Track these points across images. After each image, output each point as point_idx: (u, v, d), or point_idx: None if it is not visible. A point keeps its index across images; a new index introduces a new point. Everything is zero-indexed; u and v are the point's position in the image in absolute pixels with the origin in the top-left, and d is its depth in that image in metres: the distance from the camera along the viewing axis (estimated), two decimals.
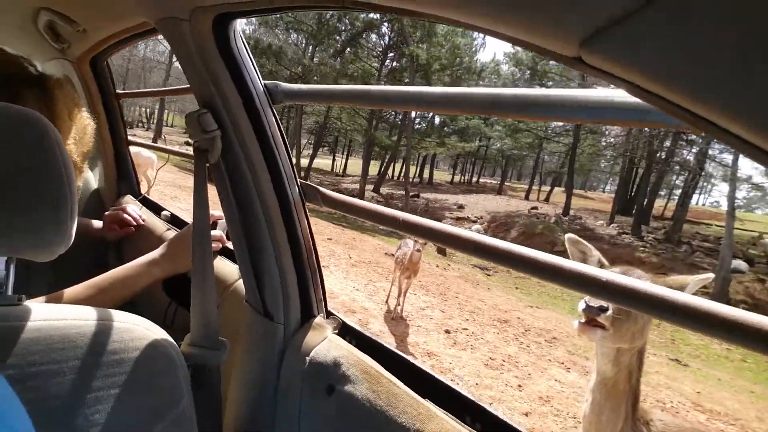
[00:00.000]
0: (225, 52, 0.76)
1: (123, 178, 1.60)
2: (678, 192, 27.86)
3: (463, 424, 0.62)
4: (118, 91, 1.47)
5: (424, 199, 25.33)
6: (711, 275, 1.09)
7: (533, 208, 24.41)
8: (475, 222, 19.99)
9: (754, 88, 0.23)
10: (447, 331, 5.30)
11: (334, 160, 43.92)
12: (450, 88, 0.57)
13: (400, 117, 28.19)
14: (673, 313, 0.43)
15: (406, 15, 0.46)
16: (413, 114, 28.14)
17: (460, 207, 23.61)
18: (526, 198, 31.74)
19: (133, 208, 1.38)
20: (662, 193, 31.17)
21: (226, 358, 0.89)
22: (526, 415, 3.70)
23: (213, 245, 1.11)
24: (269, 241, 0.82)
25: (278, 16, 25.25)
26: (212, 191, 0.85)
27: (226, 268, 1.09)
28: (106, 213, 1.36)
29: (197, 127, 0.76)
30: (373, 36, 26.12)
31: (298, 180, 0.85)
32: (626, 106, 0.42)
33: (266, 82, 0.81)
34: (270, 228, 0.82)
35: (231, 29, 0.76)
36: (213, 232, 1.10)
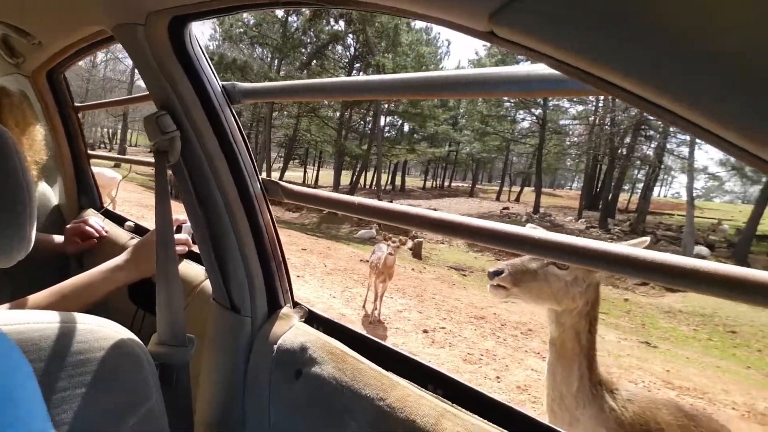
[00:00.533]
0: (181, 54, 0.79)
1: (84, 192, 1.59)
2: (640, 185, 28.91)
3: (424, 390, 0.67)
4: (76, 104, 1.48)
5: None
6: (647, 238, 1.18)
7: (504, 208, 24.88)
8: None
9: (645, 48, 0.27)
10: (425, 331, 5.36)
11: (305, 171, 43.67)
12: (395, 75, 0.62)
13: (370, 126, 28.35)
14: (607, 262, 0.48)
15: (329, 4, 0.51)
16: (382, 122, 28.32)
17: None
18: (498, 199, 32.33)
19: (95, 219, 1.38)
20: (626, 187, 32.28)
21: (195, 355, 0.92)
22: None
23: (179, 248, 1.14)
24: (233, 236, 0.85)
25: (242, 30, 25.12)
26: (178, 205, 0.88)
27: (192, 270, 1.10)
28: (68, 226, 1.35)
29: (156, 129, 0.79)
30: (339, 48, 26.27)
31: (260, 176, 0.89)
32: (547, 77, 0.48)
33: (224, 82, 0.85)
34: (233, 224, 0.85)
35: (186, 32, 0.79)
36: (178, 236, 1.12)
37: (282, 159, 30.41)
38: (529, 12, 0.30)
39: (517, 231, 0.56)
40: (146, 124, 0.82)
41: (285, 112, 27.98)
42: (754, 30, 0.23)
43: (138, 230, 1.42)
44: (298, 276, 7.22)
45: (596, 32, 0.29)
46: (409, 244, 11.59)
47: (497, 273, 1.29)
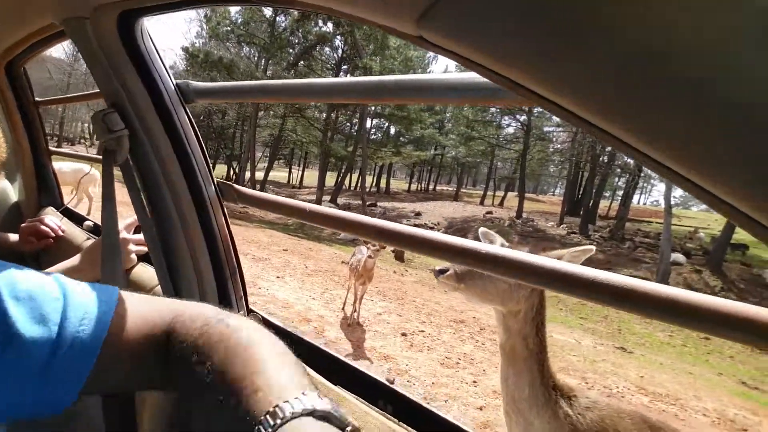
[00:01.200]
0: (132, 50, 0.76)
1: (44, 189, 1.54)
2: (621, 193, 29.43)
3: (372, 406, 0.65)
4: (36, 98, 1.43)
5: (382, 207, 25.43)
6: (592, 248, 1.20)
7: (488, 212, 25.08)
8: (432, 228, 20.25)
9: (575, 60, 0.25)
10: (404, 334, 5.34)
11: (290, 172, 43.41)
12: (347, 78, 0.60)
13: (356, 128, 28.32)
14: (542, 277, 0.47)
15: (266, 3, 0.49)
16: (368, 124, 28.33)
17: (417, 214, 23.87)
18: (482, 203, 32.57)
19: (51, 218, 1.33)
20: (606, 194, 32.82)
21: None
22: (481, 409, 3.79)
23: (137, 249, 1.10)
24: (184, 241, 0.82)
25: (230, 29, 24.88)
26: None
27: (147, 273, 1.06)
28: (22, 225, 1.30)
29: (102, 127, 0.76)
30: (327, 49, 26.20)
31: (215, 179, 0.86)
32: (481, 86, 0.47)
33: (178, 81, 0.82)
34: (185, 228, 0.82)
35: (137, 27, 0.76)
36: (138, 237, 1.09)
37: (267, 159, 30.13)
38: (452, 15, 0.29)
39: (478, 247, 0.54)
40: (93, 122, 0.78)
41: (271, 112, 27.78)
42: (700, 40, 0.22)
43: (96, 230, 1.38)
44: (278, 277, 7.15)
45: (515, 39, 0.27)
46: None
47: (442, 272, 1.35)
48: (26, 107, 1.41)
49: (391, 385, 0.69)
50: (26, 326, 0.42)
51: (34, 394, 0.43)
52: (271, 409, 0.35)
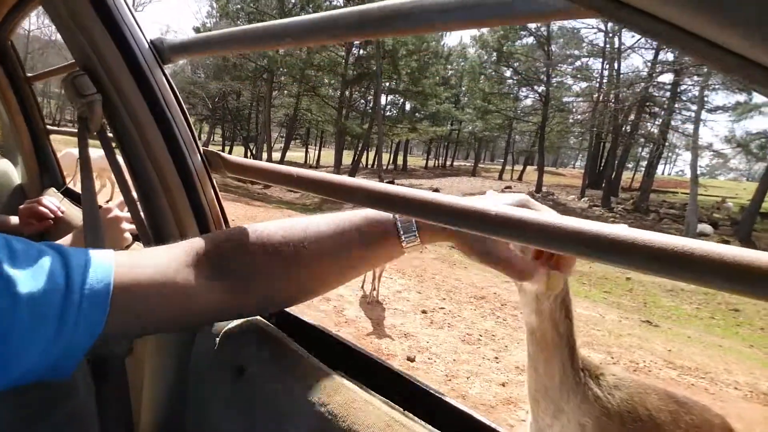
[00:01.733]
0: (99, 6, 0.68)
1: (45, 170, 1.49)
2: (644, 163, 28.59)
3: (374, 393, 0.57)
4: (28, 74, 1.36)
5: (399, 184, 25.29)
6: (525, 196, 1.10)
7: (507, 187, 24.67)
8: None
9: None
10: (424, 312, 5.30)
11: (306, 152, 43.35)
12: (352, 8, 0.49)
13: (371, 105, 28.01)
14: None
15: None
16: (383, 101, 27.97)
17: (435, 190, 23.65)
18: (500, 178, 32.09)
19: (50, 199, 1.28)
20: (629, 165, 31.94)
21: (137, 350, 0.83)
22: (503, 385, 3.73)
23: (131, 227, 1.04)
24: (170, 215, 0.75)
25: (240, 6, 24.59)
26: None
27: None
28: (21, 207, 1.26)
29: (73, 91, 0.69)
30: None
31: (200, 147, 0.78)
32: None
33: (152, 38, 0.73)
34: (170, 201, 0.74)
35: None
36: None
37: (283, 139, 30.10)
38: None
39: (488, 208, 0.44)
40: (64, 88, 0.71)
41: (285, 92, 27.66)
42: None
43: None
44: None
45: None
46: None
47: None
48: (18, 84, 1.34)
49: (400, 371, 0.62)
50: (31, 282, 0.41)
51: (53, 348, 0.43)
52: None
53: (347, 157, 30.54)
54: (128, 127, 0.72)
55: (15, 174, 1.56)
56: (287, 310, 0.81)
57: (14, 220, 1.30)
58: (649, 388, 1.27)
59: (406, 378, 0.61)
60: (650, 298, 7.95)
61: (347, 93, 26.70)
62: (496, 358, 4.27)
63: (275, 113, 28.45)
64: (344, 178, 0.55)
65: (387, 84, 27.14)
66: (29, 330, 0.41)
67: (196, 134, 0.77)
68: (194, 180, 0.76)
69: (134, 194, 0.79)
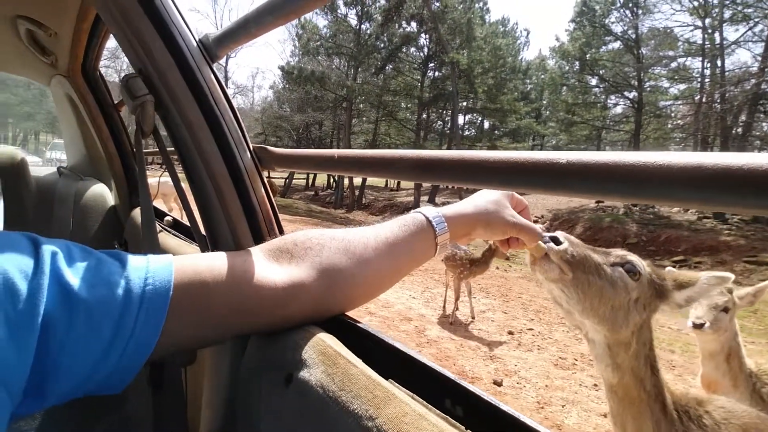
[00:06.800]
0: (149, 9, 0.69)
1: (134, 190, 1.59)
2: None
3: (430, 407, 0.48)
4: (116, 101, 1.47)
5: None
6: (731, 275, 0.91)
7: (598, 201, 23.03)
8: (536, 222, 19.12)
9: None
10: (510, 333, 5.00)
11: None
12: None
13: (448, 126, 27.97)
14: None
15: None
16: (461, 121, 27.81)
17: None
18: None
19: None
20: None
21: (198, 357, 0.81)
22: (605, 416, 3.34)
23: None
24: (222, 214, 0.73)
25: (319, 43, 26.07)
26: None
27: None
28: None
29: (126, 93, 0.70)
30: (412, 49, 26.21)
31: (250, 144, 0.76)
32: None
33: (200, 37, 0.73)
34: (221, 200, 0.72)
35: None
36: None
37: None
38: None
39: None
40: (120, 90, 0.72)
41: (364, 118, 28.56)
42: None
43: (175, 225, 1.38)
44: None
45: None
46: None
47: (554, 240, 0.85)
48: (108, 111, 1.46)
49: (461, 381, 0.51)
50: (89, 291, 0.41)
51: (108, 360, 0.42)
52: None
53: None
54: (178, 126, 0.71)
55: (109, 196, 1.69)
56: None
57: None
58: (761, 417, 1.08)
59: (470, 390, 0.51)
60: None
61: (424, 115, 26.93)
62: (596, 385, 3.86)
63: (355, 140, 29.41)
64: (385, 151, 0.48)
65: (464, 103, 26.95)
66: (85, 339, 0.40)
67: (246, 132, 0.75)
68: (244, 177, 0.73)
69: (190, 198, 0.79)
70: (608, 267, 0.92)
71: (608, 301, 0.91)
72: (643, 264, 0.95)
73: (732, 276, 0.96)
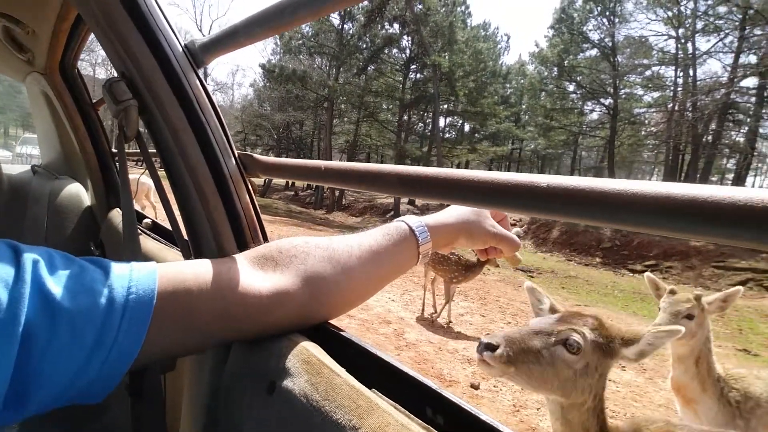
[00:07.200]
0: (134, 12, 0.68)
1: (111, 191, 1.56)
2: (731, 176, 26.16)
3: (412, 417, 0.49)
4: (94, 100, 1.44)
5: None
6: (680, 328, 1.00)
7: None
8: (514, 225, 19.37)
9: None
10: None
11: None
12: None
13: (429, 128, 28.12)
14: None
15: None
16: (441, 123, 28.00)
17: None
18: None
19: None
20: (714, 178, 29.37)
21: (177, 365, 0.80)
22: None
23: None
24: (205, 220, 0.73)
25: (301, 42, 25.90)
26: None
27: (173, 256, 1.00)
28: None
29: (110, 97, 0.69)
30: (394, 50, 26.27)
31: (235, 151, 0.76)
32: None
33: (186, 42, 0.72)
34: (205, 206, 0.72)
35: None
36: None
37: None
38: None
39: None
40: (103, 94, 0.71)
41: (345, 119, 28.48)
42: None
43: (153, 228, 1.35)
44: None
45: None
46: None
47: (489, 347, 0.96)
48: (85, 109, 1.43)
49: (442, 390, 0.53)
50: (71, 299, 0.40)
51: (90, 368, 0.41)
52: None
53: None
54: (162, 131, 0.71)
55: (85, 196, 1.65)
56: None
57: None
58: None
59: (450, 400, 0.52)
60: (746, 324, 7.11)
61: (405, 117, 27.02)
62: None
63: (336, 140, 29.32)
64: (371, 165, 0.49)
65: (445, 106, 27.15)
66: (67, 348, 0.39)
67: (231, 138, 0.75)
68: (229, 184, 0.73)
69: (173, 202, 0.78)
70: (548, 350, 1.00)
71: (553, 379, 1.01)
72: (585, 333, 1.02)
73: (682, 329, 1.03)
